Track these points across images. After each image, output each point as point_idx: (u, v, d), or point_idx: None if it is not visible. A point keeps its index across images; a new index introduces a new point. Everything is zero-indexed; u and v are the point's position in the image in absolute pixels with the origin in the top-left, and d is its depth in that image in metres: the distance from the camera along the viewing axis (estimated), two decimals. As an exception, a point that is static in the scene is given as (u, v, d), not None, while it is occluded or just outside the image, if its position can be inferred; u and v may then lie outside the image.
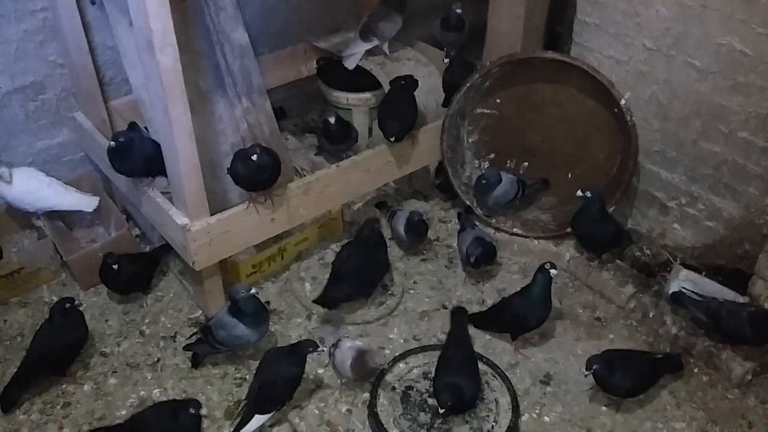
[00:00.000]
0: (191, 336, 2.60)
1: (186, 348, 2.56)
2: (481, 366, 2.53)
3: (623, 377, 2.30)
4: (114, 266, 2.68)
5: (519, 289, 2.61)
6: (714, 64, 2.54)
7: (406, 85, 2.95)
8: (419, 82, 3.04)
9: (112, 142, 2.51)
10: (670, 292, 2.64)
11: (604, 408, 2.41)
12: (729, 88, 2.53)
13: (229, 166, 2.54)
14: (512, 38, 3.06)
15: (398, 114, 2.89)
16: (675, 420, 2.38)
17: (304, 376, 2.34)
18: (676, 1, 2.56)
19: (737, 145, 2.59)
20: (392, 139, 2.84)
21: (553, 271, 2.49)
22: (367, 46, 3.25)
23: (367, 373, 2.44)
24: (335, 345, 2.45)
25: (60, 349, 2.45)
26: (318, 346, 2.32)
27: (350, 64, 3.27)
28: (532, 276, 2.91)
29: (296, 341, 2.43)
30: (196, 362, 2.55)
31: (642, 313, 2.74)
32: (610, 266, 2.89)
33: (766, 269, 2.51)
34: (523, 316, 2.53)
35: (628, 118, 2.79)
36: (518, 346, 2.62)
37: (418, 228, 2.95)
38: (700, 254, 2.85)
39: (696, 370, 2.55)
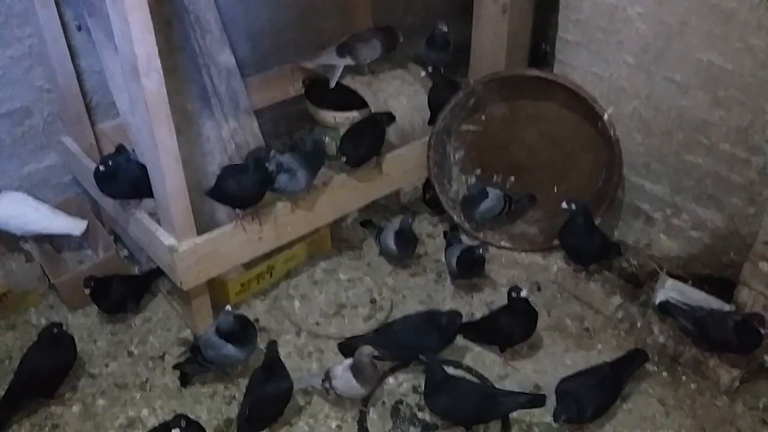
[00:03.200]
0: (180, 355, 2.59)
1: (176, 367, 2.55)
2: (471, 378, 2.56)
3: (590, 408, 2.30)
4: (86, 289, 2.68)
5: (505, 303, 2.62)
6: (694, 79, 2.58)
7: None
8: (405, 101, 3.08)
9: (100, 166, 2.53)
10: (657, 301, 2.66)
11: (593, 419, 2.42)
12: (710, 102, 2.57)
13: (213, 186, 2.57)
14: (496, 56, 3.11)
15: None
16: (664, 428, 2.39)
17: (293, 393, 2.34)
18: (655, 19, 2.61)
19: (719, 156, 2.63)
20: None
21: (522, 292, 2.50)
22: (340, 62, 3.25)
23: (374, 376, 2.37)
24: (327, 378, 2.39)
25: (48, 372, 2.45)
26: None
27: (332, 82, 3.29)
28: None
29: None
30: (185, 381, 2.55)
31: (630, 323, 2.76)
32: (598, 277, 2.91)
33: (751, 277, 2.53)
34: (508, 331, 2.56)
35: (612, 133, 2.83)
36: (507, 358, 2.63)
37: (407, 236, 2.96)
38: (686, 264, 2.87)
39: (684, 378, 2.56)
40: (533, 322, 2.57)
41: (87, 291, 2.70)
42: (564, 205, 2.77)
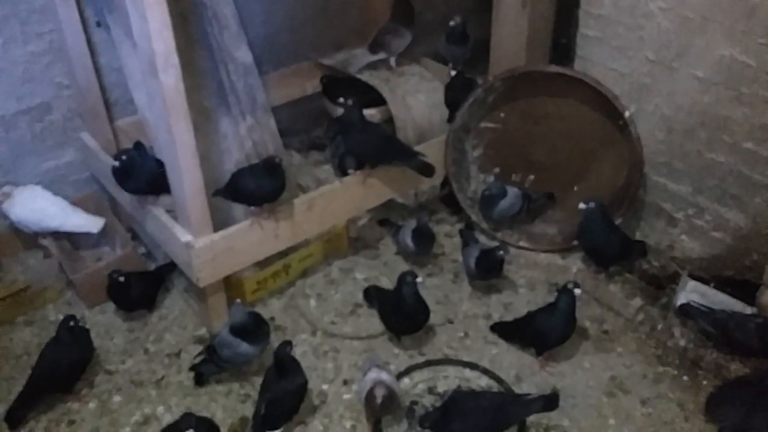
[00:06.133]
0: (197, 356, 2.59)
1: (192, 369, 2.55)
2: (487, 380, 2.54)
3: None
4: (120, 279, 2.69)
5: (543, 305, 2.61)
6: (717, 76, 2.54)
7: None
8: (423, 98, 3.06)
9: (115, 161, 2.54)
10: (678, 303, 2.62)
11: (611, 422, 2.38)
12: (732, 99, 2.52)
13: (233, 185, 2.57)
14: (516, 52, 3.07)
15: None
16: (684, 433, 2.36)
17: (308, 392, 2.33)
18: (677, 14, 2.56)
19: (742, 155, 2.57)
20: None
21: (577, 291, 2.47)
22: (375, 58, 3.34)
23: (375, 409, 2.32)
24: (366, 372, 2.40)
25: (66, 367, 2.46)
26: (291, 344, 2.27)
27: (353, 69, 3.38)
28: (538, 290, 2.91)
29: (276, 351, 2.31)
30: (201, 381, 2.55)
31: (650, 326, 2.72)
32: (618, 279, 2.87)
33: (774, 280, 2.49)
34: (545, 332, 2.52)
35: (633, 131, 2.78)
36: (543, 364, 2.60)
37: (425, 232, 2.94)
38: (708, 265, 2.82)
39: (705, 382, 2.51)
40: (571, 326, 2.52)
41: (121, 279, 2.68)
42: (581, 205, 2.72)
